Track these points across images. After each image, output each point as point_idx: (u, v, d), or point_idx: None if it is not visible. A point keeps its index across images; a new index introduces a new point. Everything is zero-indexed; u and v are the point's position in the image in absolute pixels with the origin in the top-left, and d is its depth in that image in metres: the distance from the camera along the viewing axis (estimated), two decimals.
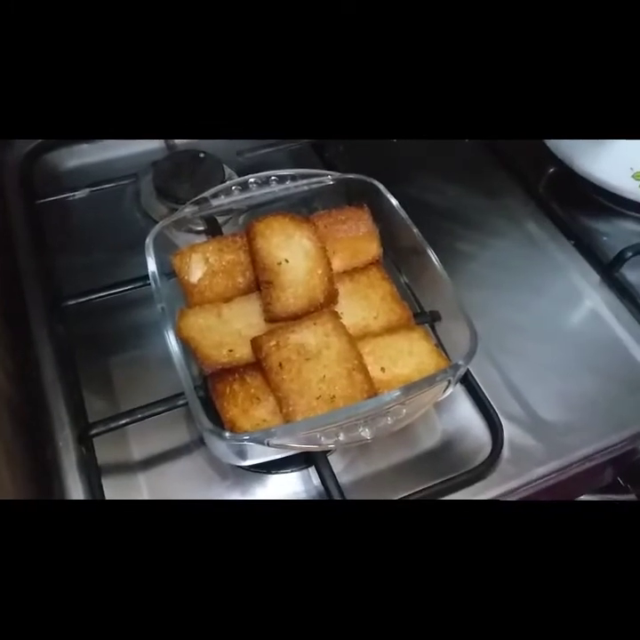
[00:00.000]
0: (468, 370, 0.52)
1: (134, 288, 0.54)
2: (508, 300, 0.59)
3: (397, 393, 0.40)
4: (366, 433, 0.39)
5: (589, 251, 0.62)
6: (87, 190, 0.62)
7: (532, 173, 0.69)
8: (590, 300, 0.59)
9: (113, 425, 0.46)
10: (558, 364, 0.55)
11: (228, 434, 0.39)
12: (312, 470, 0.47)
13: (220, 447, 0.41)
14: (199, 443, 0.49)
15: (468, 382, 0.52)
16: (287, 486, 0.47)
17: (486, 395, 0.51)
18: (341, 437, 0.39)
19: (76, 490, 0.46)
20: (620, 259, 0.60)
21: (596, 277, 0.61)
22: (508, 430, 0.50)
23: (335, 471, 0.46)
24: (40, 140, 0.67)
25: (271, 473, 0.47)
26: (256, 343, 0.44)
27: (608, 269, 0.60)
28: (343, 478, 0.47)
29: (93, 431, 0.46)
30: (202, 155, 0.64)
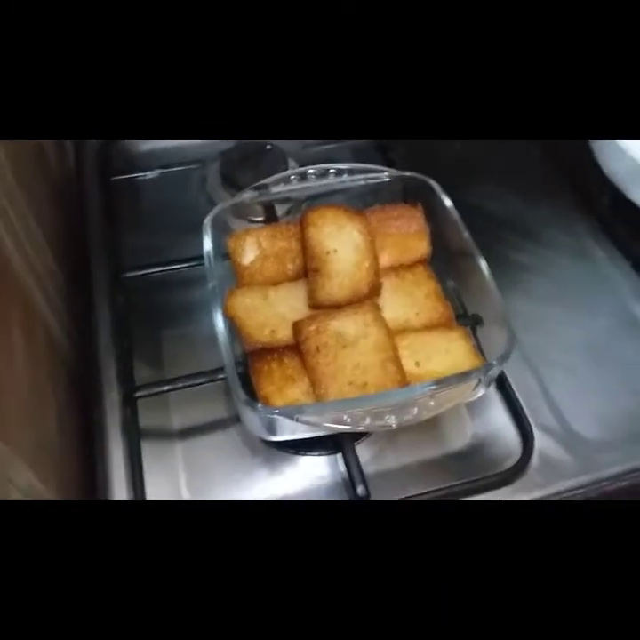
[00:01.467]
0: (505, 377, 0.52)
1: (190, 266, 0.56)
2: (557, 314, 0.59)
3: (427, 385, 0.41)
4: (392, 420, 0.40)
5: None
6: (158, 171, 0.65)
7: (595, 191, 0.68)
8: None
9: (156, 390, 0.49)
10: (599, 382, 0.54)
11: (260, 406, 0.41)
12: (339, 456, 0.48)
13: (253, 420, 0.43)
14: (235, 419, 0.51)
15: (505, 390, 0.52)
16: (314, 469, 0.49)
17: (522, 403, 0.51)
18: (368, 422, 0.40)
19: (116, 449, 0.49)
20: None
21: None
22: (540, 441, 0.50)
23: (362, 460, 0.47)
24: None
25: (299, 454, 0.49)
26: (297, 326, 0.46)
27: None
28: (369, 468, 0.48)
29: (138, 394, 0.49)
30: (268, 146, 0.67)
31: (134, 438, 0.49)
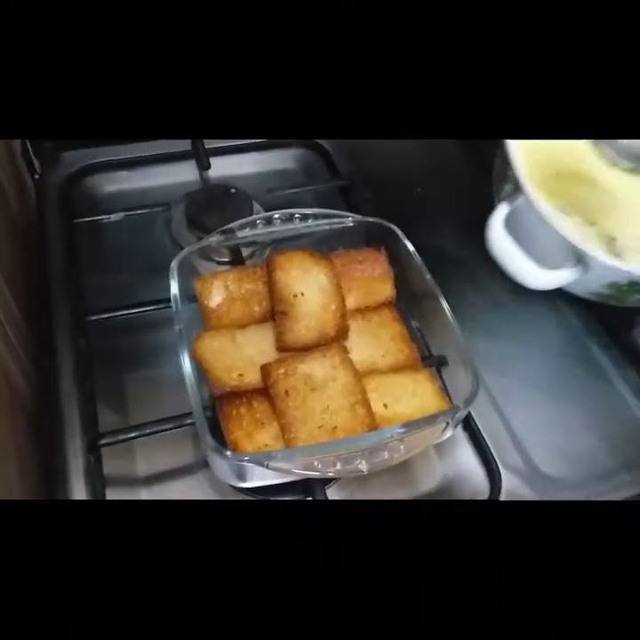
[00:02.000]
0: (471, 417, 0.53)
1: (154, 309, 0.56)
2: (518, 353, 0.60)
3: (397, 429, 0.41)
4: (363, 465, 0.40)
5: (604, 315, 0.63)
6: (122, 214, 0.65)
7: None
8: (600, 360, 0.60)
9: (122, 437, 0.48)
10: (563, 420, 0.55)
11: (229, 453, 0.40)
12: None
13: (222, 466, 0.42)
14: (202, 464, 0.50)
15: (471, 429, 0.53)
16: None
17: (488, 443, 0.52)
18: (339, 467, 0.40)
19: (79, 497, 0.48)
20: (633, 322, 0.61)
21: (606, 339, 0.62)
22: (507, 480, 0.50)
23: None
24: (82, 164, 0.71)
25: (269, 499, 0.48)
26: (265, 369, 0.46)
27: (619, 332, 0.61)
28: None
29: (102, 441, 0.48)
30: (233, 190, 0.67)
31: (98, 486, 0.48)
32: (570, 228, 0.53)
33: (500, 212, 0.54)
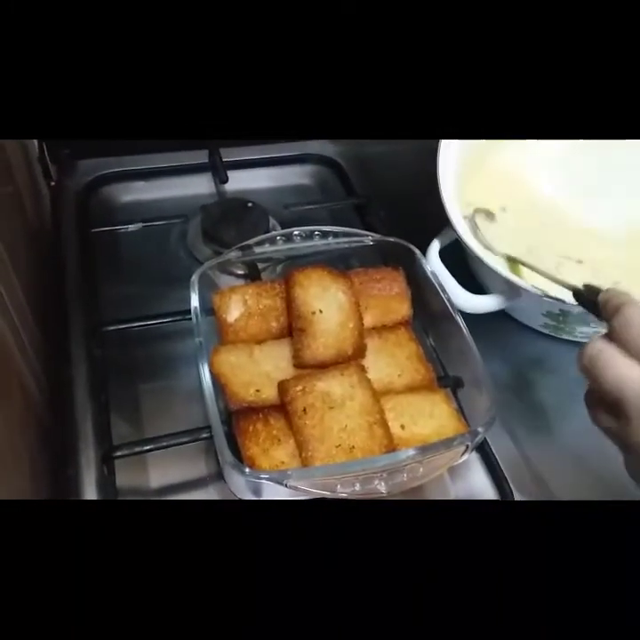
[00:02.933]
0: (485, 440, 0.53)
1: (170, 322, 0.56)
2: (536, 377, 0.60)
3: (415, 451, 0.41)
4: (382, 486, 0.40)
5: None
6: (140, 225, 0.65)
7: None
8: None
9: (137, 449, 0.48)
10: (578, 446, 0.55)
11: (248, 470, 0.40)
12: None
13: (238, 482, 0.42)
14: (215, 477, 0.50)
15: (485, 453, 0.53)
16: None
17: (502, 467, 0.52)
18: (357, 488, 0.40)
19: None
20: None
21: None
22: None
23: None
24: (99, 173, 0.71)
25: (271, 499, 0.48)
26: (283, 386, 0.46)
27: None
28: None
29: (117, 453, 0.48)
30: (250, 204, 0.68)
31: (111, 497, 0.47)
32: (495, 261, 0.56)
33: (434, 246, 0.58)
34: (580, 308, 0.46)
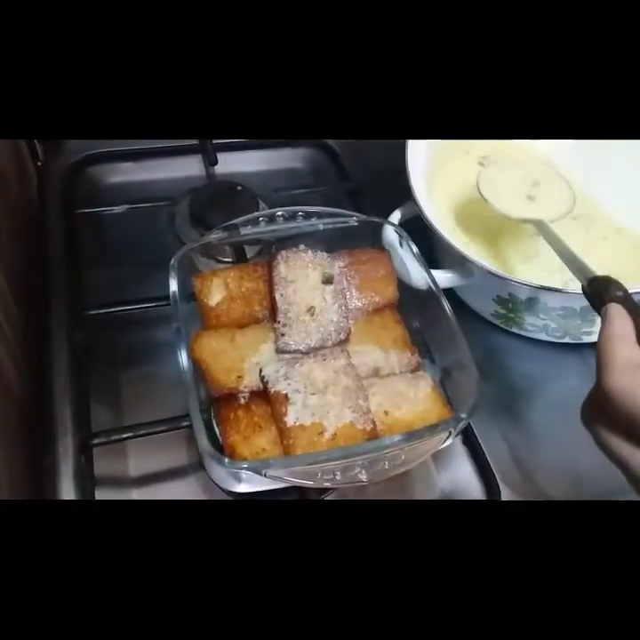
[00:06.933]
0: (472, 430, 0.51)
1: (154, 306, 0.55)
2: (525, 367, 0.59)
3: (398, 438, 0.40)
4: (363, 475, 0.39)
5: None
6: (125, 207, 0.64)
7: None
8: None
9: (115, 437, 0.47)
10: (565, 438, 0.53)
11: (227, 460, 0.39)
12: None
13: (219, 471, 0.41)
14: (196, 466, 0.49)
15: (471, 443, 0.51)
16: None
17: (488, 458, 0.50)
18: (338, 476, 0.39)
19: (68, 497, 0.46)
20: None
21: None
22: (506, 497, 0.49)
23: None
24: (86, 153, 0.69)
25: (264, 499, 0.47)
26: (264, 372, 0.45)
27: None
28: None
29: (95, 441, 0.47)
30: (239, 188, 0.66)
31: (88, 486, 0.46)
32: (450, 235, 0.55)
33: (394, 216, 0.59)
34: (527, 293, 0.45)
